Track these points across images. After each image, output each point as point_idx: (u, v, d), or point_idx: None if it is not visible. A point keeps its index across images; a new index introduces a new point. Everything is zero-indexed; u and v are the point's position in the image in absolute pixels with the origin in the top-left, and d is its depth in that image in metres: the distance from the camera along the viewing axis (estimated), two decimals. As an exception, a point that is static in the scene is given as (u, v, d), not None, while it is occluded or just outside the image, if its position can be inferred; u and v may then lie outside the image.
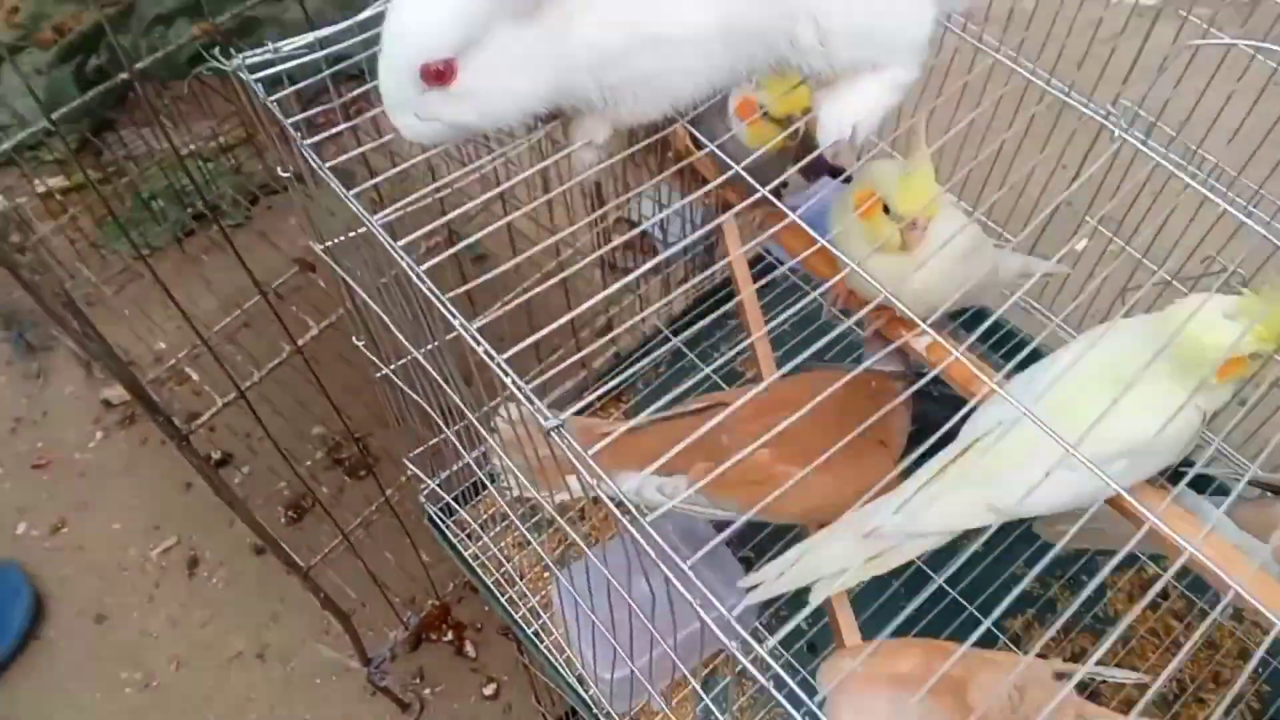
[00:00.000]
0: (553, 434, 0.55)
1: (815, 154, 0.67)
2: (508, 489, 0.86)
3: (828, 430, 0.74)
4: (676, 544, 0.72)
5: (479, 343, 0.56)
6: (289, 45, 0.61)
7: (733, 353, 0.77)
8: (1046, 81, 0.85)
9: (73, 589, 1.76)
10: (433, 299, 0.57)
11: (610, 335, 1.20)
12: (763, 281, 0.88)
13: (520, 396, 0.56)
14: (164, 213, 2.07)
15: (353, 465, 1.86)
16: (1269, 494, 0.85)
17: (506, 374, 0.56)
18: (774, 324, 0.75)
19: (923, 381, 0.67)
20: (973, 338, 0.65)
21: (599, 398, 1.17)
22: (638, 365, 1.18)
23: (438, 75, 0.57)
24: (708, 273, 1.21)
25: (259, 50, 0.61)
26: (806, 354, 0.67)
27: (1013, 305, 0.70)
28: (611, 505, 0.58)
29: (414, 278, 0.57)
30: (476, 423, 0.74)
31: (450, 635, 1.69)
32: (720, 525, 0.97)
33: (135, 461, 1.90)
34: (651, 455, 0.70)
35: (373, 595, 1.56)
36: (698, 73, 0.62)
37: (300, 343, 1.05)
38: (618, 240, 1.30)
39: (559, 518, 0.73)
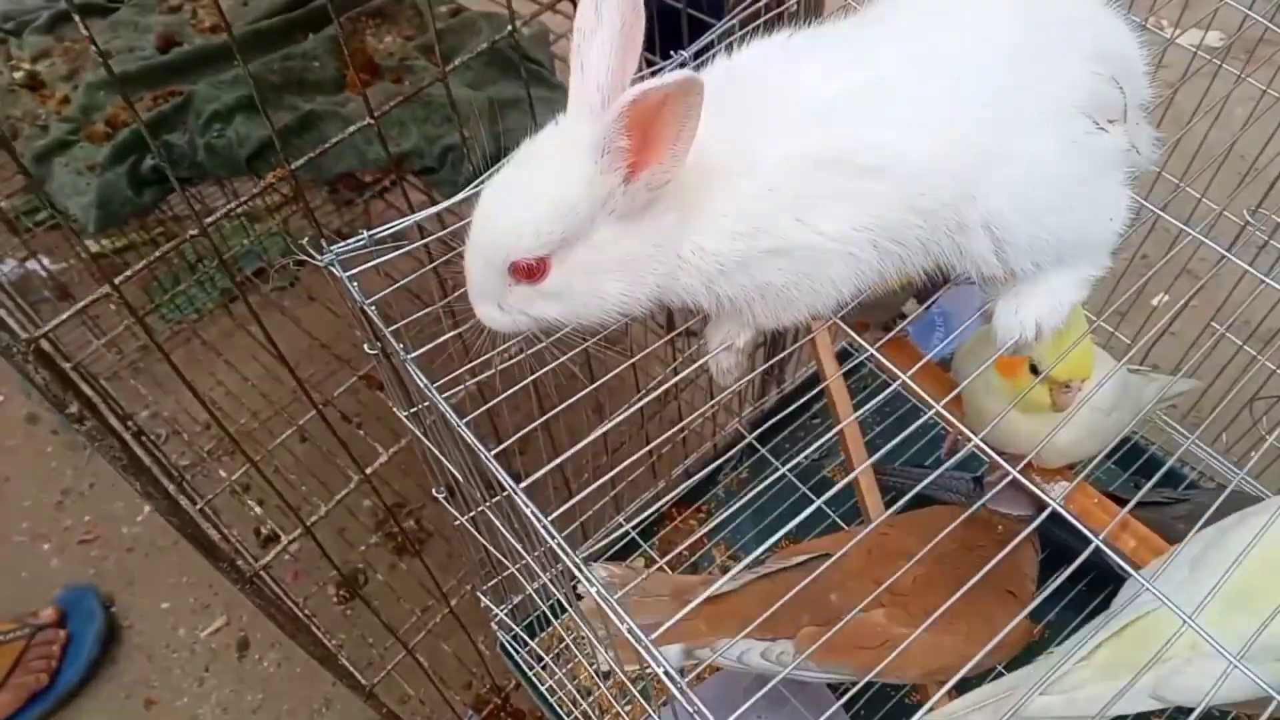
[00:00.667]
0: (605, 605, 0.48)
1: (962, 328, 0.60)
2: (593, 661, 0.79)
3: (949, 582, 0.66)
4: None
5: (549, 532, 0.50)
6: (381, 232, 0.55)
7: (814, 449, 0.70)
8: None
9: (121, 670, 1.71)
10: (507, 484, 0.52)
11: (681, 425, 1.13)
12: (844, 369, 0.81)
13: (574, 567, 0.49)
14: (211, 278, 2.04)
15: (404, 541, 1.80)
16: None
17: (564, 550, 0.50)
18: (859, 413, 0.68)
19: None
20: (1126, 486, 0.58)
21: (675, 505, 1.11)
22: (720, 474, 1.11)
23: (528, 272, 0.53)
24: (793, 381, 1.14)
25: (351, 243, 0.54)
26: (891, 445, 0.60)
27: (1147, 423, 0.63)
28: (669, 683, 0.51)
29: (484, 460, 0.52)
30: (551, 584, 0.69)
31: (509, 723, 1.63)
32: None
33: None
34: (751, 619, 0.64)
35: (430, 686, 1.50)
36: (844, 288, 0.55)
37: (369, 470, 0.99)
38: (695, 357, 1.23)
39: (641, 699, 0.66)
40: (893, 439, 0.79)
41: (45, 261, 2.08)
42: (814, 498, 1.07)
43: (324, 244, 0.57)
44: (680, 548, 1.04)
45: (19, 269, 2.16)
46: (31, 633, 1.66)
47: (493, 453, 0.54)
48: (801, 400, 1.14)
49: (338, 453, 1.20)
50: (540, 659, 0.97)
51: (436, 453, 0.64)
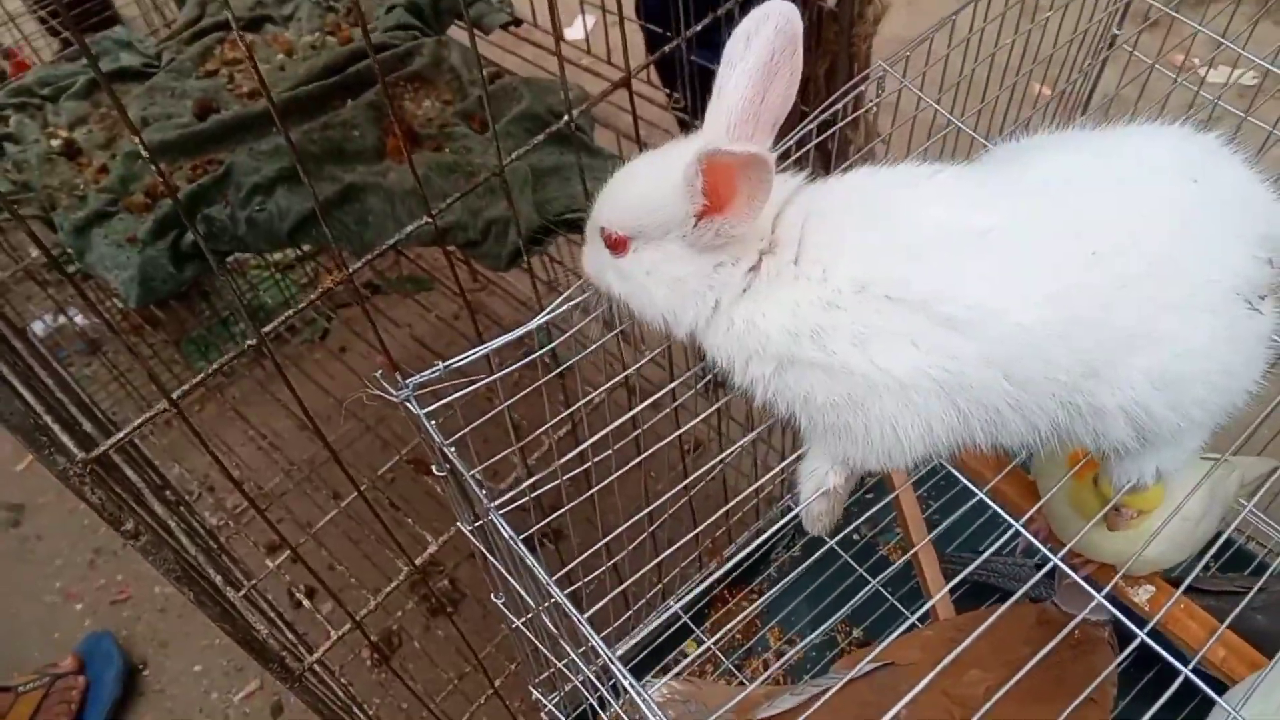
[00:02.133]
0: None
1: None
2: None
3: (1027, 691, 0.63)
4: None
5: (613, 662, 0.47)
6: (456, 362, 0.53)
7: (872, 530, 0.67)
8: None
9: (153, 737, 1.69)
10: (571, 612, 0.50)
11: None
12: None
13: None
14: (242, 334, 2.03)
15: (438, 601, 1.78)
16: None
17: (633, 686, 0.48)
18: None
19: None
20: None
21: (727, 586, 1.07)
22: (772, 554, 1.08)
23: (611, 242, 0.58)
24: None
25: (427, 374, 0.52)
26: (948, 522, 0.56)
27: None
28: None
29: (559, 600, 0.50)
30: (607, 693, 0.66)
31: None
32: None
33: (216, 596, 1.83)
34: None
35: None
36: (898, 426, 0.54)
37: (418, 561, 0.96)
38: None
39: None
40: (950, 514, 0.76)
41: (77, 317, 2.09)
42: (870, 578, 1.03)
43: (398, 378, 0.54)
44: (732, 629, 1.01)
45: (51, 324, 2.17)
46: (51, 681, 1.65)
47: (555, 577, 0.52)
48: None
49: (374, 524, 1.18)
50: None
51: (497, 565, 0.62)
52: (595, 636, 0.51)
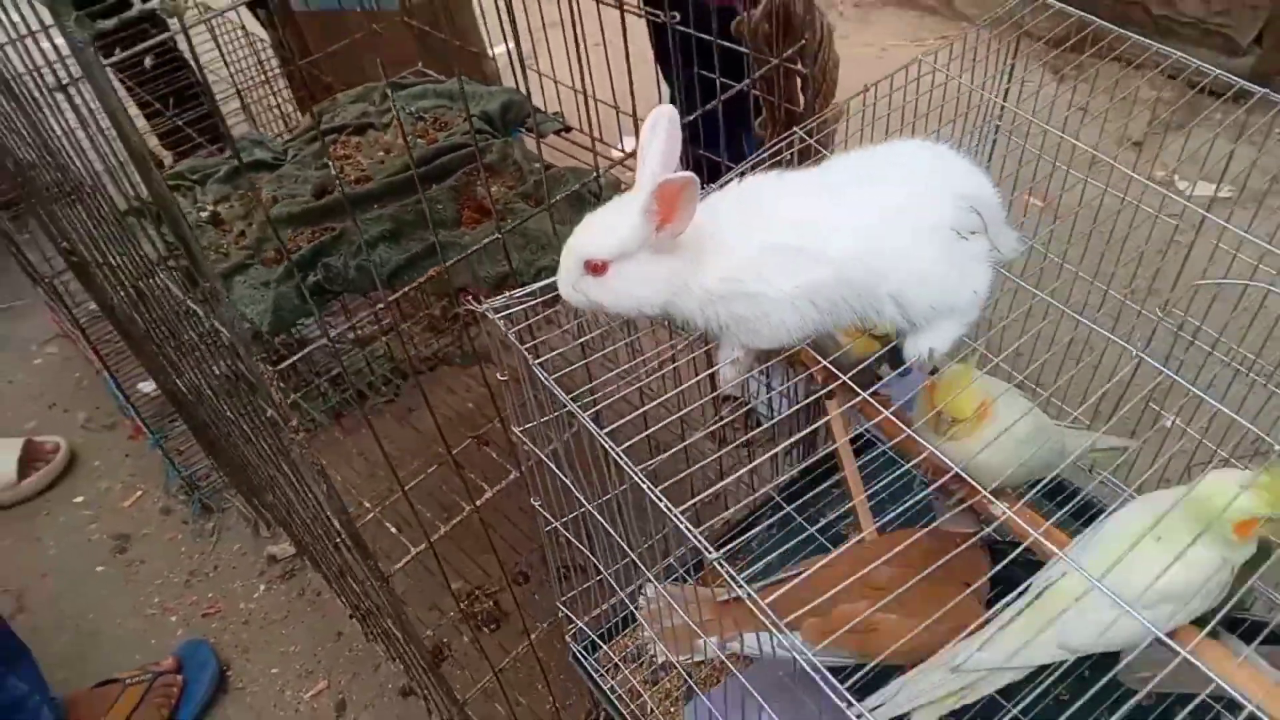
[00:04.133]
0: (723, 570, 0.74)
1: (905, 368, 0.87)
2: (653, 656, 1.04)
3: (921, 583, 0.90)
4: (790, 685, 0.89)
5: (659, 498, 0.76)
6: (519, 294, 0.85)
7: (835, 515, 0.95)
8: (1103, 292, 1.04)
9: (234, 725, 1.95)
10: (625, 466, 0.78)
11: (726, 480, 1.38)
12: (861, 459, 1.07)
13: (690, 535, 0.75)
14: (326, 395, 2.37)
15: (485, 618, 2.04)
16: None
17: (679, 520, 0.76)
18: (871, 490, 0.93)
19: (1017, 552, 0.84)
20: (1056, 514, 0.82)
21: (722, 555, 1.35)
22: (753, 531, 1.36)
23: (594, 268, 0.84)
24: (819, 454, 1.40)
25: (501, 297, 0.84)
26: (897, 511, 0.84)
27: (1092, 477, 0.87)
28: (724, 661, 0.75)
29: (608, 448, 0.79)
30: (636, 559, 0.94)
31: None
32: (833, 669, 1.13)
33: (293, 611, 2.12)
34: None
35: None
36: (792, 328, 0.84)
37: (479, 503, 1.25)
38: (728, 415, 1.50)
39: (687, 674, 0.91)
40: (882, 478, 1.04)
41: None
42: (831, 548, 1.31)
43: (481, 300, 0.86)
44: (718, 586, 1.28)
45: (151, 388, 2.52)
46: (153, 677, 1.93)
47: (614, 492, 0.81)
48: (821, 470, 1.39)
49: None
50: (607, 666, 1.20)
51: (545, 459, 0.91)
52: (673, 511, 0.78)
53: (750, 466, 1.29)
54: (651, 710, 1.22)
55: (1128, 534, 0.84)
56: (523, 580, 2.09)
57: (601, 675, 1.20)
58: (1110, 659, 0.89)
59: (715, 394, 1.21)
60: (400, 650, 1.70)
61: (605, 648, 1.19)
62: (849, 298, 0.83)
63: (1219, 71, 1.14)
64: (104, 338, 2.36)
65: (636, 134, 0.89)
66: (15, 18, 1.03)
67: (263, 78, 2.50)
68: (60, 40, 1.43)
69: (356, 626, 2.06)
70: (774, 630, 0.78)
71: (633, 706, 1.17)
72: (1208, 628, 0.78)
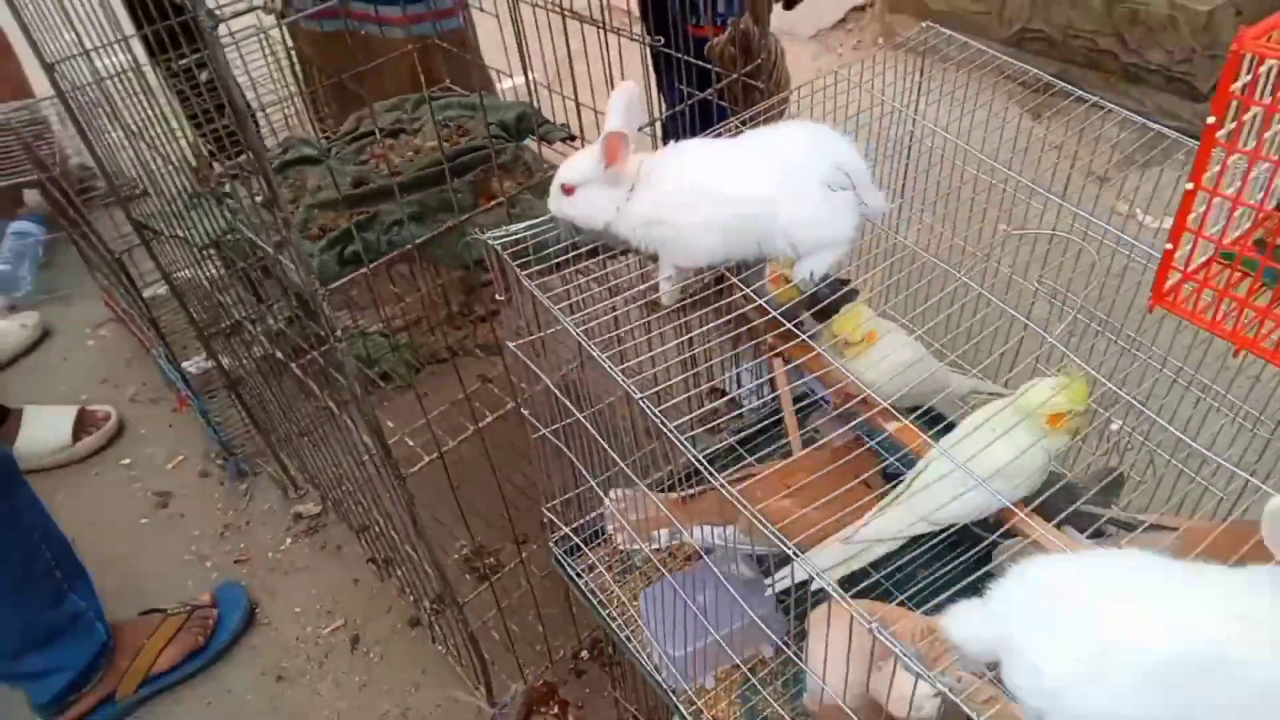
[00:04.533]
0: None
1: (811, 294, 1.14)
2: (616, 546, 1.30)
3: (830, 481, 1.17)
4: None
5: (650, 410, 1.02)
6: (516, 228, 1.13)
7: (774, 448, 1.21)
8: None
9: (260, 655, 2.20)
10: (612, 373, 1.04)
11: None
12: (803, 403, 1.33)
13: (677, 441, 1.01)
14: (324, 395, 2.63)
15: (484, 573, 2.29)
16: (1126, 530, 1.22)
17: (666, 426, 1.02)
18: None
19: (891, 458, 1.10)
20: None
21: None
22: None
23: (566, 190, 1.13)
24: (767, 398, 1.66)
25: (501, 230, 1.11)
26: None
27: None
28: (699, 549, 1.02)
29: (596, 357, 1.05)
30: (627, 469, 1.20)
31: (556, 710, 2.06)
32: (759, 559, 1.38)
33: (315, 561, 2.38)
34: (713, 514, 1.15)
35: (502, 659, 1.96)
36: (705, 251, 1.12)
37: (481, 424, 1.50)
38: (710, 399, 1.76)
39: (650, 554, 1.16)
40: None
41: (224, 360, 2.72)
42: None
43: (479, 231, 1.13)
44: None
45: (203, 364, 2.80)
46: (191, 609, 2.19)
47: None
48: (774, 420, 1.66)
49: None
50: (584, 567, 1.45)
51: (539, 371, 1.18)
52: (658, 416, 1.05)
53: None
54: (619, 601, 1.47)
55: (971, 425, 1.10)
56: (523, 540, 2.35)
57: (579, 574, 1.46)
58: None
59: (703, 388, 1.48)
60: (414, 578, 1.96)
61: (585, 549, 1.45)
62: (745, 229, 1.10)
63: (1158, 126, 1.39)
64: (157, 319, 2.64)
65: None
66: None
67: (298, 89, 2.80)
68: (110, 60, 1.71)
69: (371, 575, 2.31)
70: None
71: (604, 598, 1.43)
72: (1033, 504, 1.04)
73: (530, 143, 2.06)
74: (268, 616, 2.28)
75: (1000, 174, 1.42)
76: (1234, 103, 0.75)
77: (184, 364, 2.78)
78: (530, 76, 1.91)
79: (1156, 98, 3.27)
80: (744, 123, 1.26)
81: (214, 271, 1.94)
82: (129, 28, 1.91)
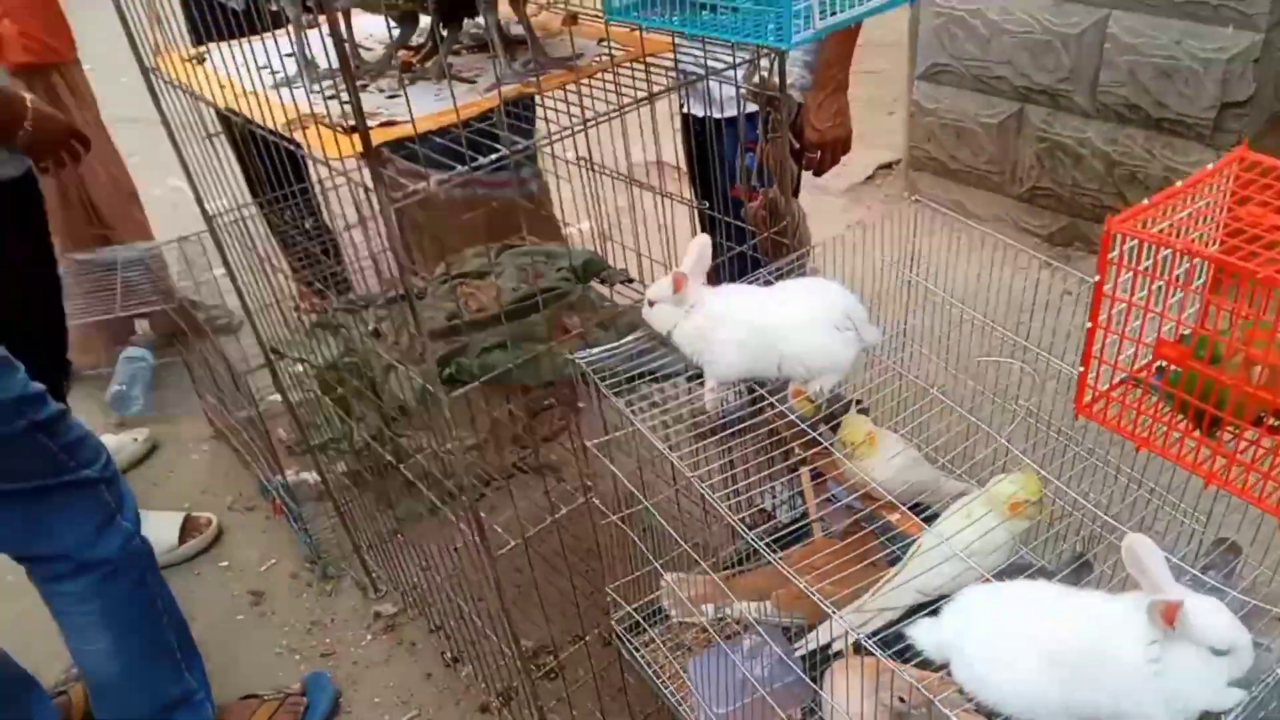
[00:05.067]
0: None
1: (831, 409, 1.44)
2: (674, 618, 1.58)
3: (848, 565, 1.44)
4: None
5: (709, 495, 1.32)
6: (595, 352, 1.45)
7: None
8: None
9: (343, 740, 2.45)
10: (678, 466, 1.34)
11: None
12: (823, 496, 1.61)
13: (738, 526, 1.31)
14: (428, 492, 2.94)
15: (546, 672, 2.53)
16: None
17: (723, 510, 1.32)
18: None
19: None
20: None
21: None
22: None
23: (650, 304, 1.47)
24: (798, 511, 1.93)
25: (584, 353, 1.43)
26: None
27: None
28: (753, 622, 1.30)
29: (666, 454, 1.35)
30: (688, 549, 1.48)
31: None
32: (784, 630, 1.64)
33: (393, 656, 2.64)
34: (753, 590, 1.44)
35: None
36: (734, 364, 1.44)
37: (557, 515, 1.79)
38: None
39: (710, 626, 1.44)
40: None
41: (311, 476, 3.05)
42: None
43: (575, 353, 1.45)
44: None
45: (299, 476, 3.13)
46: (285, 696, 2.45)
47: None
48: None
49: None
50: (644, 644, 1.71)
51: (612, 467, 1.47)
52: (716, 501, 1.35)
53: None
54: (672, 672, 1.72)
55: (950, 512, 1.38)
56: (583, 636, 2.60)
57: (638, 649, 1.72)
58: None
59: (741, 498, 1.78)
60: (484, 669, 2.21)
61: (645, 626, 1.71)
62: (767, 351, 1.41)
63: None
64: (257, 437, 2.99)
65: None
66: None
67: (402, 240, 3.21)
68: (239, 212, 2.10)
69: (444, 671, 2.56)
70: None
71: (657, 669, 1.68)
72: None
73: (595, 284, 2.42)
74: (350, 706, 2.53)
75: (977, 313, 1.73)
76: (1111, 266, 1.05)
77: (275, 477, 3.12)
78: (594, 228, 2.28)
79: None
80: (773, 273, 1.59)
81: (316, 392, 2.29)
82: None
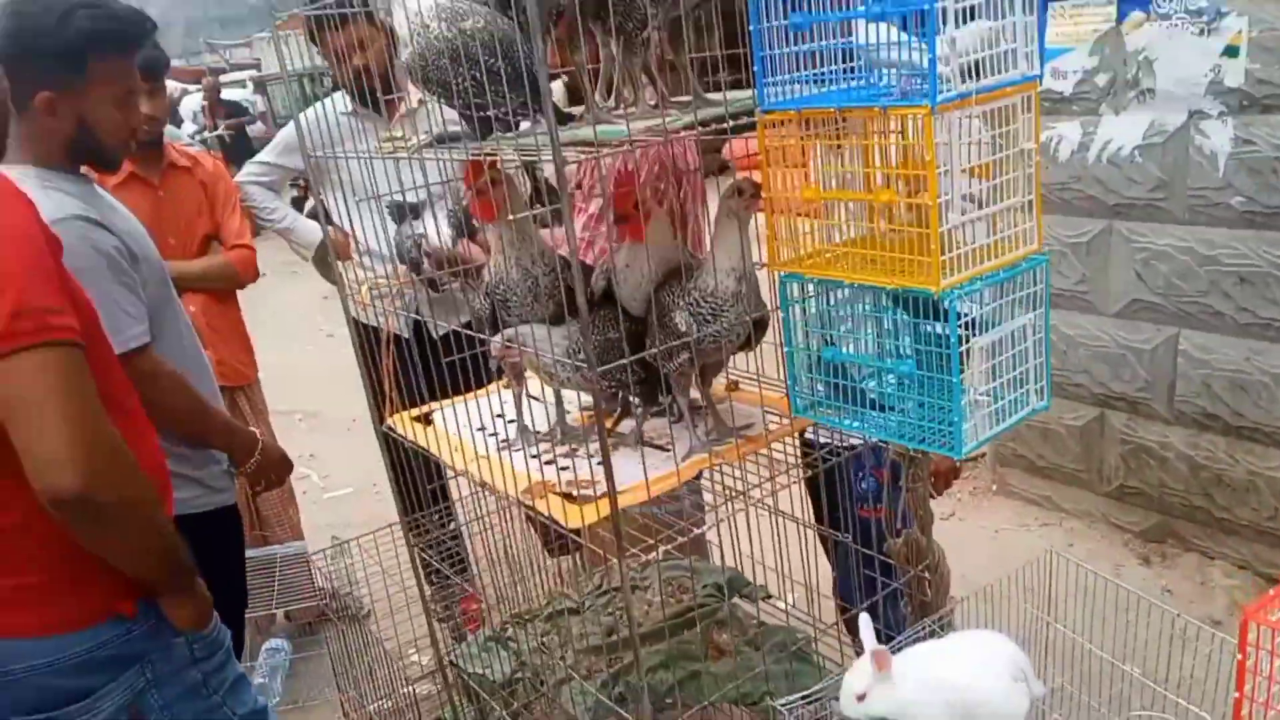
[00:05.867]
0: None
1: None
2: None
3: None
4: None
5: None
6: (794, 698, 1.67)
7: None
8: None
9: None
10: None
11: None
12: None
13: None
14: None
15: None
16: None
17: None
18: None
19: None
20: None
21: None
22: None
23: (859, 698, 1.63)
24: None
25: (786, 699, 1.66)
26: None
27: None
28: None
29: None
30: None
31: None
32: None
33: None
34: None
35: None
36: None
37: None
38: None
39: None
40: None
41: None
42: None
43: None
44: None
45: None
46: None
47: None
48: None
49: None
50: None
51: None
52: None
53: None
54: None
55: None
56: None
57: None
58: None
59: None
60: None
61: None
62: (952, 703, 1.60)
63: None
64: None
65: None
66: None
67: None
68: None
69: None
70: None
71: None
72: None
73: (739, 600, 2.65)
74: None
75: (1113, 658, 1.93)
76: (1250, 648, 1.28)
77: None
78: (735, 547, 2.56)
79: (1253, 548, 3.74)
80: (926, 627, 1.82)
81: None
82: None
